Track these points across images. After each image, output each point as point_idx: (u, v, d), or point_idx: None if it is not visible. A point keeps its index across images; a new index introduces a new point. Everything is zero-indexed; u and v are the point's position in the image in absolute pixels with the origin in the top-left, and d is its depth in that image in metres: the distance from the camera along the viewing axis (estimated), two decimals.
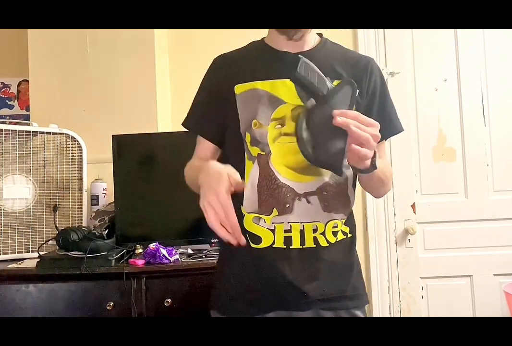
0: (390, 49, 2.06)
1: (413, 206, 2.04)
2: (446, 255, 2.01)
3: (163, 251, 1.42)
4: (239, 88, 0.99)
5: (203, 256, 1.47)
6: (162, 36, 2.02)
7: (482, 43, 2.06)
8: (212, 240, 1.57)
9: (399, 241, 2.04)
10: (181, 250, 1.53)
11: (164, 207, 1.59)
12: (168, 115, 2.05)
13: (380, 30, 2.07)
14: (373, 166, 0.88)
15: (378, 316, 1.98)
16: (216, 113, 1.03)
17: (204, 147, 1.08)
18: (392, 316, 1.99)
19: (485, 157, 2.04)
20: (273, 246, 0.96)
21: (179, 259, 1.44)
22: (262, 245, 0.96)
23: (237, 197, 0.95)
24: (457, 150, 2.05)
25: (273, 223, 0.96)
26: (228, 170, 0.85)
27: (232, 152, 1.04)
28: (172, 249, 1.45)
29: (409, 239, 2.03)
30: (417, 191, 2.04)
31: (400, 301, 2.02)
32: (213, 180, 0.83)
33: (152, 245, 1.44)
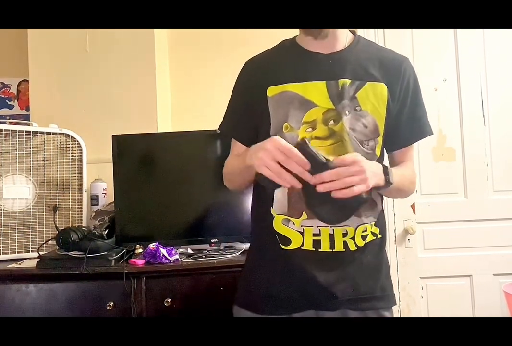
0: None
1: (412, 206, 2.04)
2: (446, 255, 2.01)
3: (163, 251, 1.42)
4: (271, 91, 0.99)
5: (203, 256, 1.47)
6: (162, 36, 2.02)
7: (482, 43, 2.06)
8: (212, 240, 1.57)
9: (399, 241, 2.04)
10: (181, 250, 1.54)
11: (164, 207, 1.59)
12: (168, 115, 2.05)
13: (380, 30, 2.08)
14: (388, 182, 0.89)
15: None
16: (250, 117, 1.03)
17: (239, 149, 1.08)
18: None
19: (485, 157, 2.04)
20: (302, 248, 0.96)
21: (179, 259, 1.44)
22: (291, 246, 0.97)
23: (267, 199, 0.98)
24: (457, 150, 2.05)
25: (302, 226, 0.96)
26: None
27: None
28: (172, 249, 1.45)
29: (408, 239, 2.03)
30: (416, 191, 2.03)
31: (400, 301, 2.02)
32: (259, 148, 0.84)
33: (152, 245, 1.44)
